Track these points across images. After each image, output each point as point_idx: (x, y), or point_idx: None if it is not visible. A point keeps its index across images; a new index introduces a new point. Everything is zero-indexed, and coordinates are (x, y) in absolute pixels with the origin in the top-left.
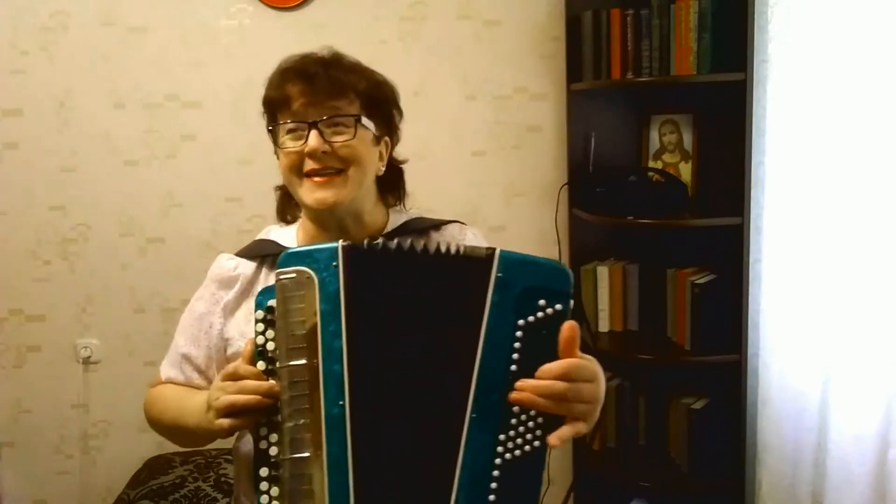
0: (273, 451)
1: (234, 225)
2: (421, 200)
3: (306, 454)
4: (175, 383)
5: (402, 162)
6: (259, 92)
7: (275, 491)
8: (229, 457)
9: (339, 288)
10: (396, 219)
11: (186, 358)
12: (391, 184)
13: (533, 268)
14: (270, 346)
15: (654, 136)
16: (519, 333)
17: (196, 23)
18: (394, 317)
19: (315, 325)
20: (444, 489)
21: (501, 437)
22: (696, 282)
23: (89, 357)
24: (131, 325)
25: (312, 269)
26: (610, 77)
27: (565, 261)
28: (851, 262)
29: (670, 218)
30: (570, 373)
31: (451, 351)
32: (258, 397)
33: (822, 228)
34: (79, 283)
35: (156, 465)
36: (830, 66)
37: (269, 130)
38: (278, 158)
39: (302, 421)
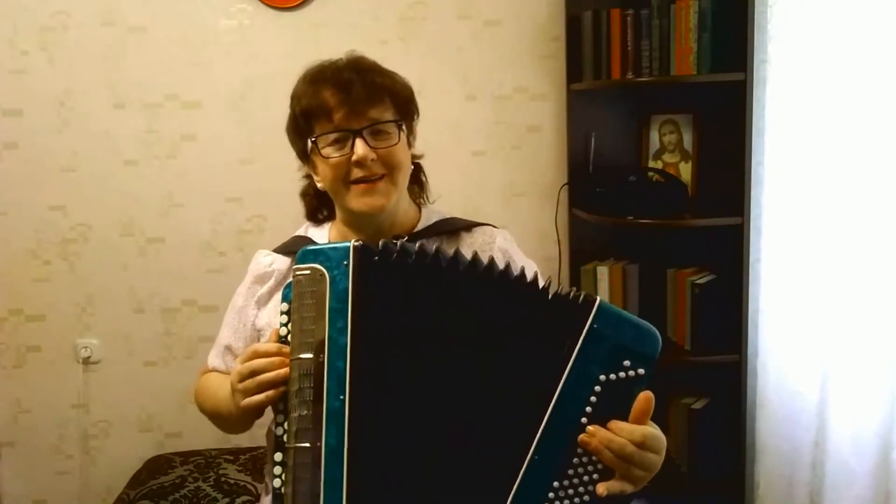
0: (286, 439)
1: (234, 225)
2: None
3: (307, 444)
4: (218, 371)
5: (419, 157)
6: (260, 92)
7: (285, 476)
8: (230, 457)
9: (347, 286)
10: (428, 217)
11: (228, 349)
12: (412, 177)
13: (629, 327)
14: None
15: (654, 136)
16: (598, 388)
17: (196, 23)
18: (419, 324)
19: (324, 321)
20: None
21: (556, 484)
22: (696, 282)
23: (89, 357)
24: (131, 325)
25: (325, 267)
26: (610, 77)
27: (565, 261)
28: (850, 262)
29: (670, 218)
30: (647, 441)
31: (513, 383)
32: (276, 359)
33: (820, 228)
34: (79, 283)
35: (156, 465)
36: (830, 65)
37: (313, 141)
38: (303, 155)
39: (306, 412)
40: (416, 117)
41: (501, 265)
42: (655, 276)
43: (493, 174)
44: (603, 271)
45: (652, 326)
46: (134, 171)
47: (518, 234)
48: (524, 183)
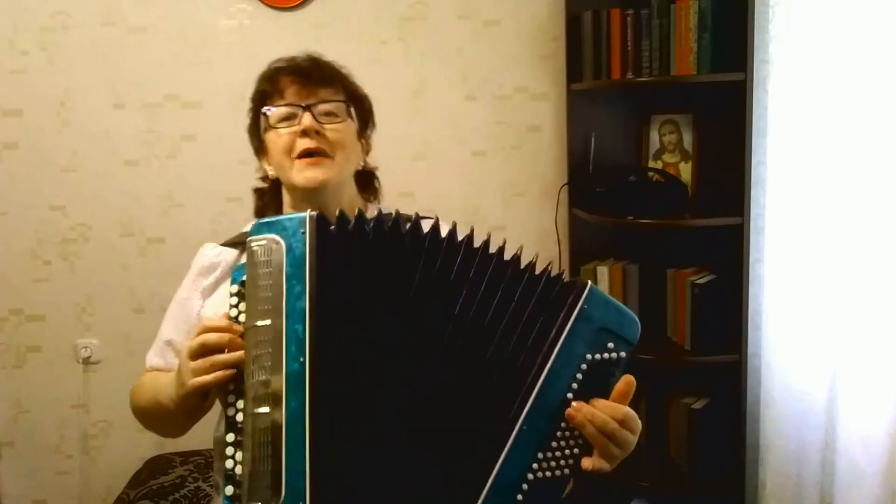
0: (239, 417)
1: (234, 225)
2: (421, 200)
3: (266, 409)
4: (158, 370)
5: (374, 168)
6: None
7: (239, 455)
8: None
9: (304, 252)
10: (372, 211)
11: (169, 344)
12: (366, 184)
13: (614, 312)
14: (243, 318)
15: (654, 136)
16: (584, 366)
17: (196, 23)
18: (385, 289)
19: (281, 287)
20: (468, 488)
21: (539, 455)
22: (696, 282)
23: (89, 357)
24: (131, 325)
25: (281, 236)
26: (610, 77)
27: (565, 261)
28: (854, 261)
29: (670, 218)
30: (627, 420)
31: (499, 353)
32: (227, 335)
33: (824, 227)
34: (79, 283)
35: (156, 465)
36: (832, 66)
37: (263, 114)
38: (259, 150)
39: (264, 377)
40: (371, 125)
41: None
42: (655, 276)
43: (493, 174)
44: (603, 271)
45: (633, 314)
46: (134, 171)
47: (518, 233)
48: (524, 183)
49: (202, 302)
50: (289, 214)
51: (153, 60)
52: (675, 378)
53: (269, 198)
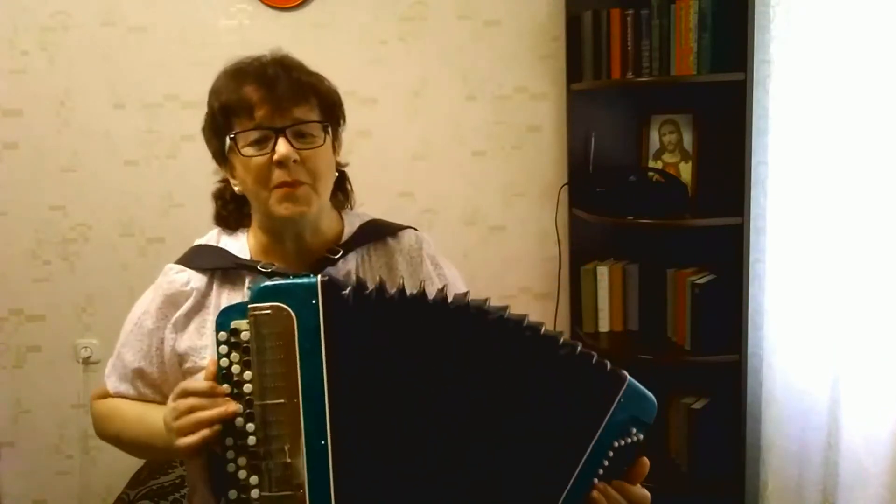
0: (241, 474)
1: None
2: (421, 200)
3: (289, 492)
4: (126, 398)
5: (344, 165)
6: None
7: None
8: None
9: (318, 325)
10: (351, 223)
11: (139, 374)
12: (338, 185)
13: (642, 400)
14: (235, 368)
15: (654, 136)
16: (611, 453)
17: (196, 23)
18: (410, 364)
19: (294, 363)
20: None
21: None
22: (696, 282)
23: (89, 357)
24: None
25: (289, 306)
26: (610, 77)
27: (565, 261)
28: (856, 260)
29: (670, 218)
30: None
31: (536, 438)
32: (219, 410)
33: (825, 227)
34: (79, 283)
35: (156, 465)
36: (833, 66)
37: (231, 138)
38: (220, 158)
39: (283, 460)
40: (342, 123)
41: (433, 275)
42: (655, 276)
43: (493, 174)
44: (603, 271)
45: (652, 396)
46: (134, 171)
47: (518, 234)
48: (524, 183)
49: (174, 335)
50: (295, 280)
51: (153, 60)
52: (675, 378)
53: (233, 206)
